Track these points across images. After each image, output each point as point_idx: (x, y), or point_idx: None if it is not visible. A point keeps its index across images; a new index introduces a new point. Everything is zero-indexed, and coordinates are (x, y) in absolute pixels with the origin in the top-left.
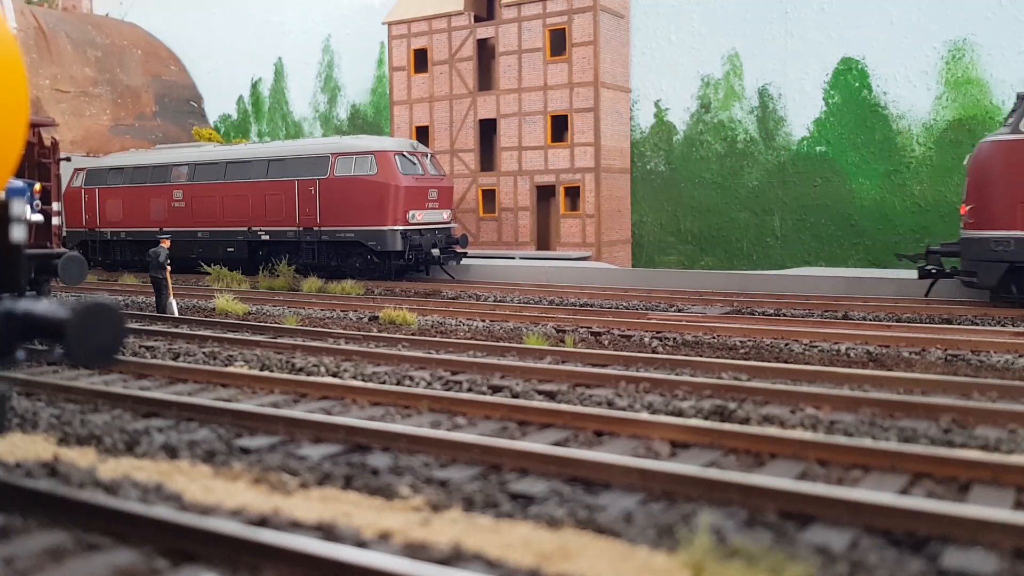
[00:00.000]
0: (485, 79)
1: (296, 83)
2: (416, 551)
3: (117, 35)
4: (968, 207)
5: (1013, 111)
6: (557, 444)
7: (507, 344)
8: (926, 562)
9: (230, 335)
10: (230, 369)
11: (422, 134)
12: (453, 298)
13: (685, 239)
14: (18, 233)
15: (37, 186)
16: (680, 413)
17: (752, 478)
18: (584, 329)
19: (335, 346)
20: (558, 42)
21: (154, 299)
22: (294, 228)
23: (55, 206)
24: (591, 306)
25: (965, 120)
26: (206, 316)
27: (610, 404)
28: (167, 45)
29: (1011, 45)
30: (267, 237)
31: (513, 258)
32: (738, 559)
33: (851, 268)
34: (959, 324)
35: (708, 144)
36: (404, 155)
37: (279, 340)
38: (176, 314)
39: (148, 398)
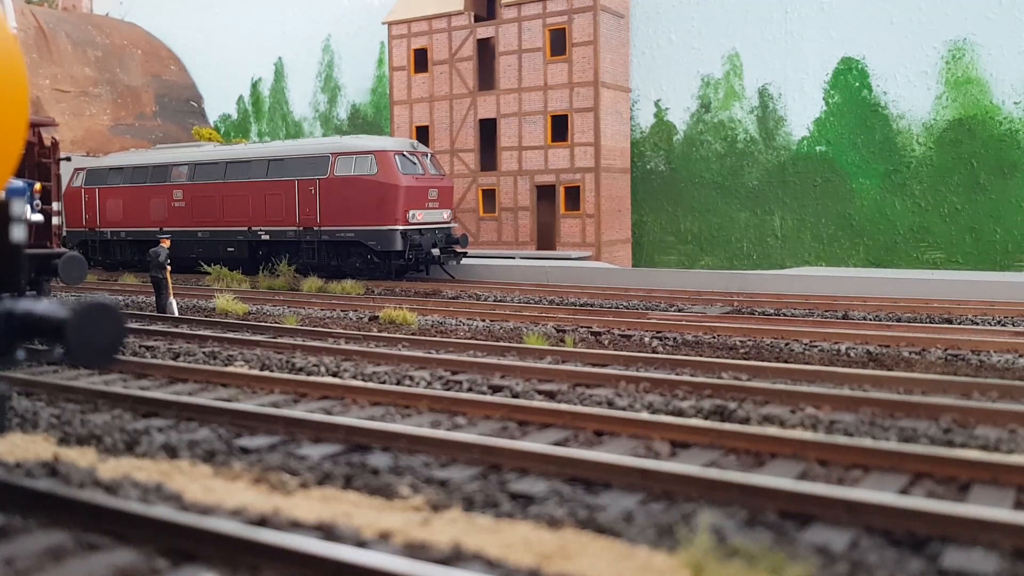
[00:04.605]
0: (485, 79)
1: (296, 83)
2: (416, 551)
3: (117, 35)
4: None
5: None
6: (557, 444)
7: (507, 344)
8: (926, 562)
9: (230, 335)
10: (230, 369)
11: (422, 134)
12: (453, 298)
13: (685, 239)
14: (18, 233)
15: (37, 186)
16: (680, 413)
17: (752, 478)
18: (584, 329)
19: (335, 346)
20: (558, 42)
21: (154, 299)
22: (294, 228)
23: (55, 206)
24: (591, 306)
25: (965, 120)
26: (206, 316)
27: (610, 404)
28: (167, 45)
29: (1011, 45)
30: (267, 237)
31: (513, 258)
32: (738, 559)
33: (851, 268)
34: (959, 324)
35: (708, 144)
36: (404, 155)
37: (279, 340)
38: (176, 314)
39: (148, 398)
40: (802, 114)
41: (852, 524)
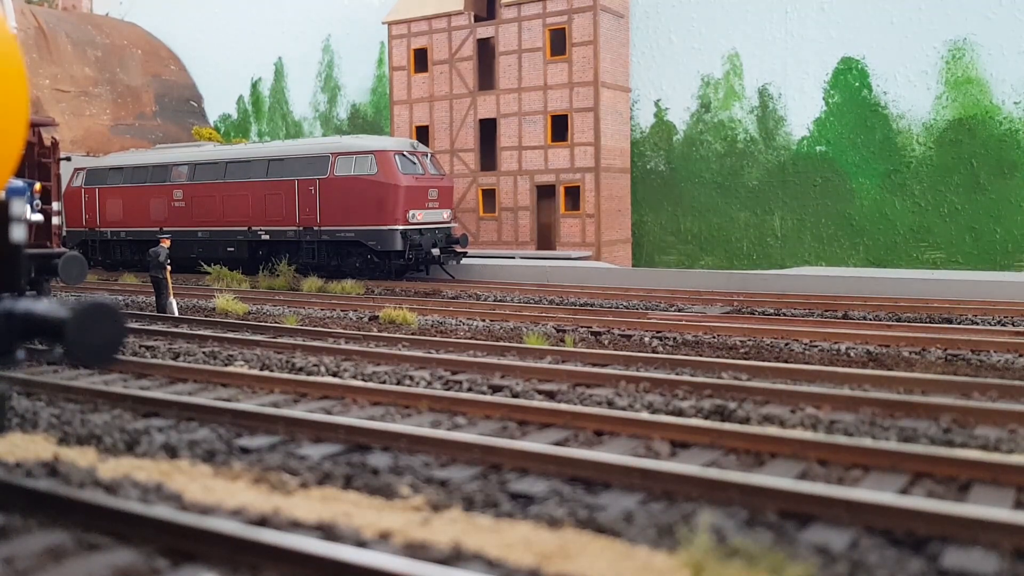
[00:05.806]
0: (485, 79)
1: (296, 83)
2: (416, 551)
3: (117, 35)
4: None
5: None
6: (557, 444)
7: (507, 344)
8: (926, 562)
9: (230, 335)
10: (230, 369)
11: (422, 134)
12: (453, 298)
13: (685, 239)
14: (18, 233)
15: (37, 186)
16: (680, 413)
17: (752, 478)
18: (584, 329)
19: (335, 346)
20: (558, 42)
21: (154, 299)
22: (294, 228)
23: (55, 206)
24: (591, 306)
25: (965, 120)
26: (206, 316)
27: (610, 404)
28: (167, 45)
29: (1011, 45)
30: (267, 237)
31: (513, 258)
32: (738, 559)
33: (851, 268)
34: (959, 324)
35: (708, 144)
36: (404, 155)
37: (279, 340)
38: (176, 314)
39: (148, 398)
40: (802, 114)
41: (852, 524)
